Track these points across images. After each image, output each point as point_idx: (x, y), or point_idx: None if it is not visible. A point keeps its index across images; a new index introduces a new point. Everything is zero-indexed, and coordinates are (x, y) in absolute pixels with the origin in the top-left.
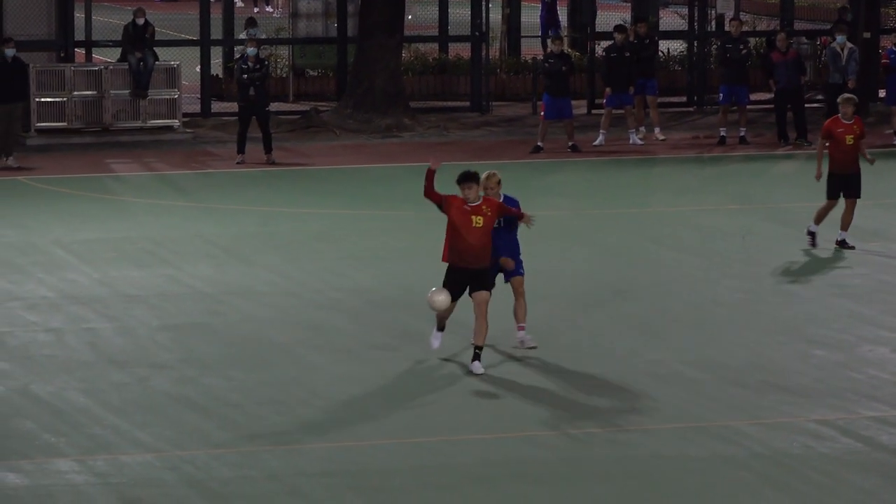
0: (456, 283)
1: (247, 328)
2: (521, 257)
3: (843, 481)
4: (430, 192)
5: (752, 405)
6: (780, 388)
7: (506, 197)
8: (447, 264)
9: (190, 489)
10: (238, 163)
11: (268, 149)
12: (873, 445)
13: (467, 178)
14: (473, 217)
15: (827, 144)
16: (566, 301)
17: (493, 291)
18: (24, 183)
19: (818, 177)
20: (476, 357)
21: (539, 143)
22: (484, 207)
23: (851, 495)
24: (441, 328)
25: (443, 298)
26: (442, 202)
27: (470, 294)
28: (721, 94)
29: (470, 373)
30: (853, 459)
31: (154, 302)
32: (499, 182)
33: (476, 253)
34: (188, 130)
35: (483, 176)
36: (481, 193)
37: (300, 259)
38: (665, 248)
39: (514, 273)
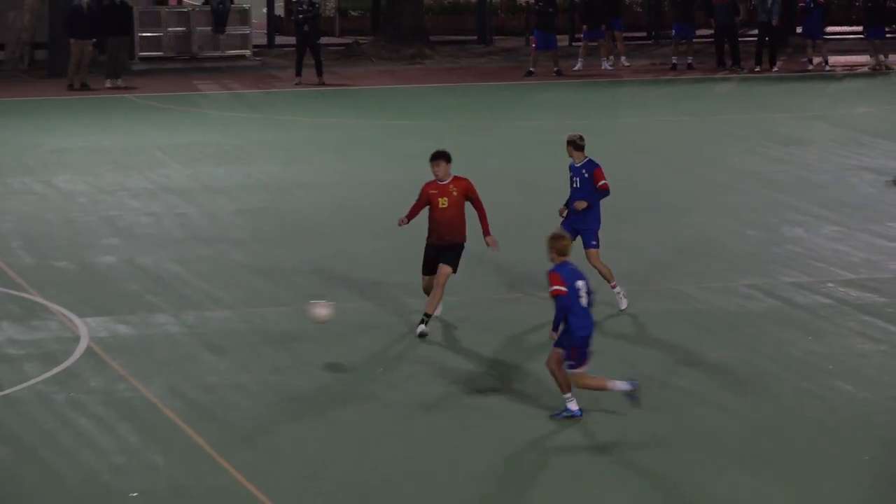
0: (429, 258)
1: (305, 212)
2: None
3: (767, 332)
4: (415, 211)
5: (696, 272)
6: (718, 259)
7: (589, 160)
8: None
9: (260, 337)
10: (296, 83)
11: (319, 73)
12: (791, 304)
13: (435, 157)
14: (440, 199)
15: None
16: (548, 191)
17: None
18: (130, 99)
19: None
20: (423, 322)
21: (531, 69)
22: (451, 187)
23: (774, 343)
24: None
25: (321, 311)
26: (420, 200)
27: (434, 265)
28: (673, 30)
29: (420, 335)
30: (775, 315)
31: (232, 192)
32: (579, 147)
33: (445, 230)
34: (257, 58)
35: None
36: (452, 173)
37: (346, 159)
38: (629, 151)
39: (589, 245)
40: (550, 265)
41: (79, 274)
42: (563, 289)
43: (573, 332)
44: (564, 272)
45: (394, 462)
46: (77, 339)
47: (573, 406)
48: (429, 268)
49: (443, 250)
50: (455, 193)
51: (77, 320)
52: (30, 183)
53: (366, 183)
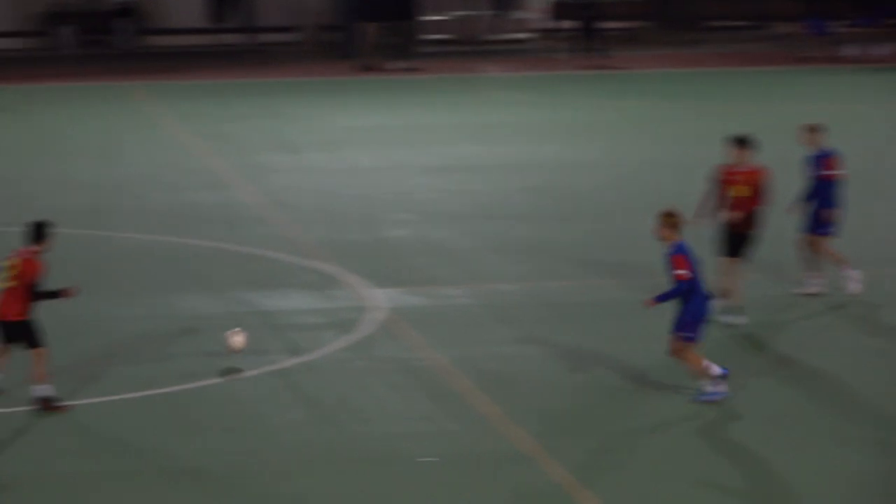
0: (724, 239)
1: (584, 190)
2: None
3: None
4: (708, 201)
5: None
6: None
7: (823, 149)
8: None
9: (547, 310)
10: (576, 66)
11: (598, 56)
12: None
13: (732, 141)
14: (733, 187)
15: None
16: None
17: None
18: (417, 80)
19: None
20: (731, 311)
21: (803, 54)
22: (744, 177)
23: None
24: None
25: (238, 340)
26: (715, 185)
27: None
28: None
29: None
30: None
31: (515, 169)
32: (815, 134)
33: (729, 215)
34: (538, 42)
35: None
36: (750, 160)
37: (622, 139)
38: None
39: (815, 231)
40: (666, 244)
41: (372, 247)
42: (689, 274)
43: (696, 312)
44: (689, 254)
45: (669, 437)
46: (372, 309)
47: (713, 388)
48: (726, 249)
49: (731, 238)
50: (747, 185)
51: (372, 291)
52: (324, 159)
53: (641, 162)
